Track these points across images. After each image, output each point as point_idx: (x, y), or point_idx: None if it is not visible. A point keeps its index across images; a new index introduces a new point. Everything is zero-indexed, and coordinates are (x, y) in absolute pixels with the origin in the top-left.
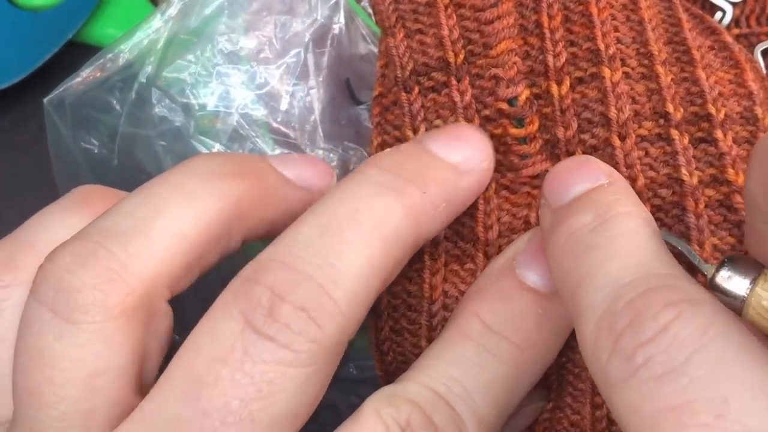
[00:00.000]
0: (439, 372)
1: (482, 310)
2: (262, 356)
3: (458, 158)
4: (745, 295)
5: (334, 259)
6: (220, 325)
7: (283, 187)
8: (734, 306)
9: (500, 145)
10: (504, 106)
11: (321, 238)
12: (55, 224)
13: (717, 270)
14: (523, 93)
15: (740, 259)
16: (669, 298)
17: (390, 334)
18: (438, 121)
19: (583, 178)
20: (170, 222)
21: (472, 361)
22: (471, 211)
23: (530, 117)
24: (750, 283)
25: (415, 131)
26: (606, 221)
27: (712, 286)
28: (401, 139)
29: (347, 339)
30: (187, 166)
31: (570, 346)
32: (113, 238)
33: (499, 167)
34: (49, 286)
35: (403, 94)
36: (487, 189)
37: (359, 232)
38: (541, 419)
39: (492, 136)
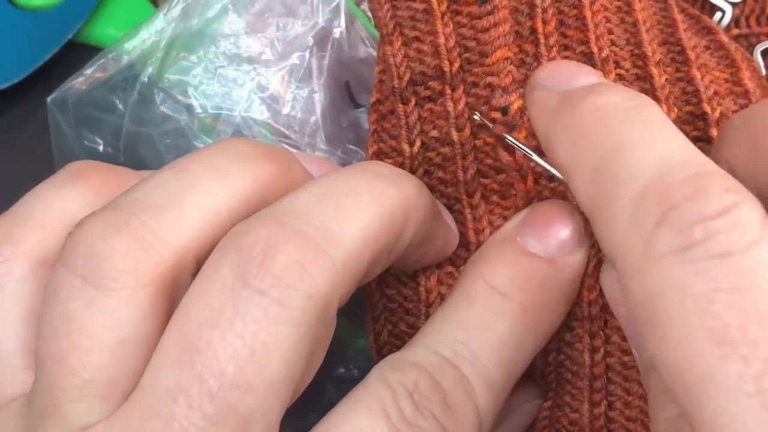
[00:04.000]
0: (444, 335)
1: (486, 272)
2: (253, 314)
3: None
4: None
5: (330, 222)
6: (209, 283)
7: (308, 179)
8: None
9: (492, 151)
10: (497, 114)
11: (318, 203)
12: (51, 198)
13: None
14: (516, 102)
15: None
16: (729, 185)
17: (389, 338)
18: (434, 132)
19: (591, 73)
20: (203, 197)
21: (477, 322)
22: (460, 218)
23: (520, 126)
24: None
25: (411, 144)
26: (641, 105)
27: None
28: (397, 150)
29: (338, 305)
30: (218, 147)
31: (568, 343)
32: (146, 209)
33: (490, 172)
34: (78, 253)
35: (400, 105)
36: (472, 196)
37: (358, 202)
38: (541, 417)
39: (485, 144)
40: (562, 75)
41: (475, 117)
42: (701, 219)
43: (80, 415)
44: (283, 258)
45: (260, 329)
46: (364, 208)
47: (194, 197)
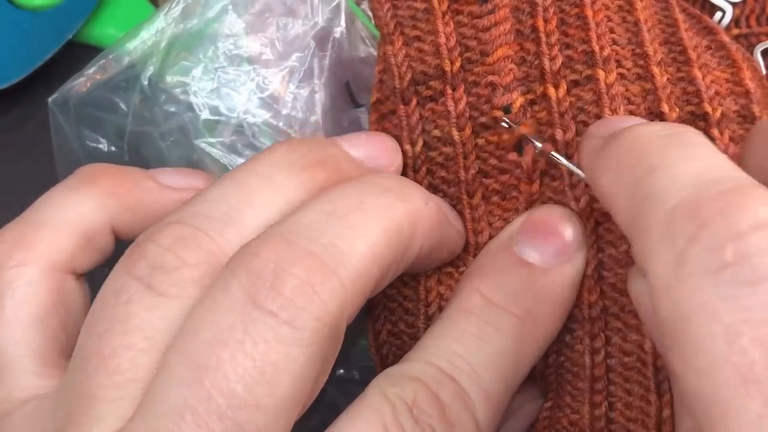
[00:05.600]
0: (442, 348)
1: (483, 285)
2: (264, 335)
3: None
4: None
5: (338, 241)
6: (218, 303)
7: (357, 171)
8: None
9: (497, 150)
10: (499, 113)
11: (325, 221)
12: (63, 203)
13: None
14: (518, 100)
15: None
16: (766, 197)
17: (389, 337)
18: (436, 132)
19: (636, 120)
20: (260, 211)
21: (474, 335)
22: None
23: (524, 122)
24: None
25: (413, 144)
26: (680, 132)
27: None
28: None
29: (346, 323)
30: (272, 156)
31: (567, 345)
32: (210, 223)
33: (492, 172)
34: (146, 262)
35: (401, 106)
36: (473, 196)
37: (364, 219)
38: (541, 418)
39: (488, 143)
40: (612, 123)
41: (503, 124)
42: (734, 235)
43: (106, 416)
44: (293, 280)
45: (270, 350)
46: (371, 225)
47: (253, 212)
